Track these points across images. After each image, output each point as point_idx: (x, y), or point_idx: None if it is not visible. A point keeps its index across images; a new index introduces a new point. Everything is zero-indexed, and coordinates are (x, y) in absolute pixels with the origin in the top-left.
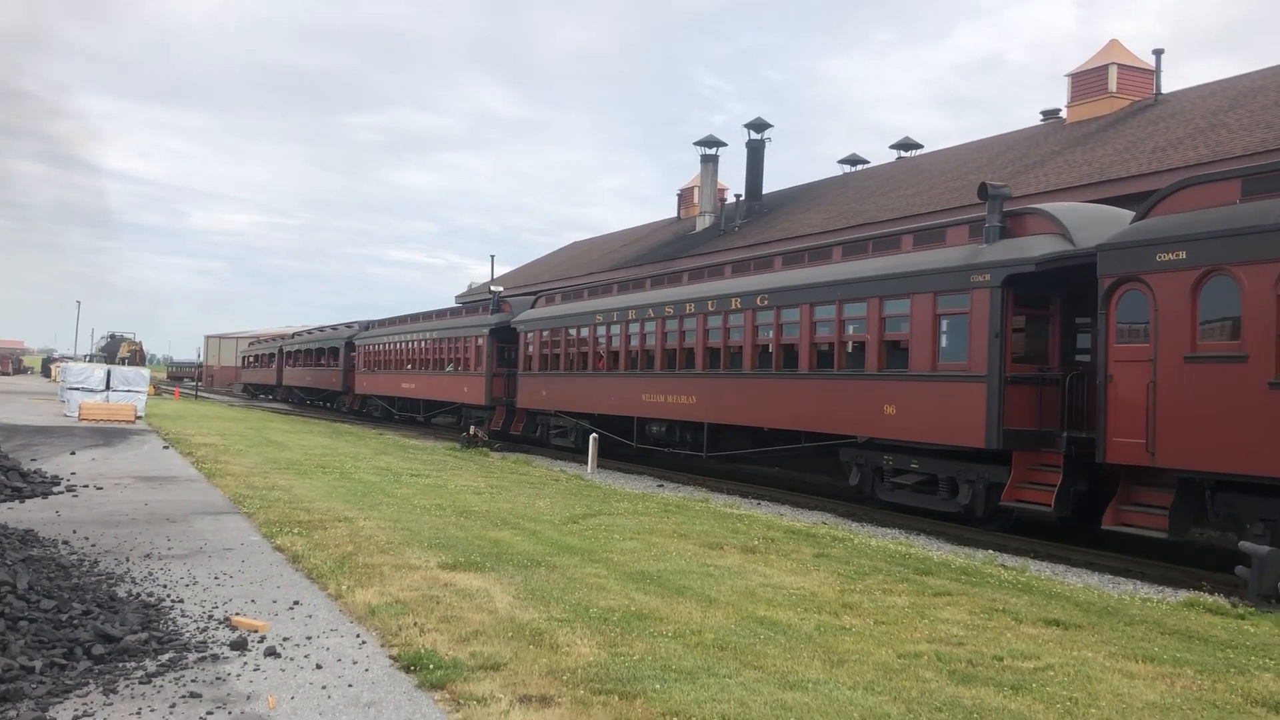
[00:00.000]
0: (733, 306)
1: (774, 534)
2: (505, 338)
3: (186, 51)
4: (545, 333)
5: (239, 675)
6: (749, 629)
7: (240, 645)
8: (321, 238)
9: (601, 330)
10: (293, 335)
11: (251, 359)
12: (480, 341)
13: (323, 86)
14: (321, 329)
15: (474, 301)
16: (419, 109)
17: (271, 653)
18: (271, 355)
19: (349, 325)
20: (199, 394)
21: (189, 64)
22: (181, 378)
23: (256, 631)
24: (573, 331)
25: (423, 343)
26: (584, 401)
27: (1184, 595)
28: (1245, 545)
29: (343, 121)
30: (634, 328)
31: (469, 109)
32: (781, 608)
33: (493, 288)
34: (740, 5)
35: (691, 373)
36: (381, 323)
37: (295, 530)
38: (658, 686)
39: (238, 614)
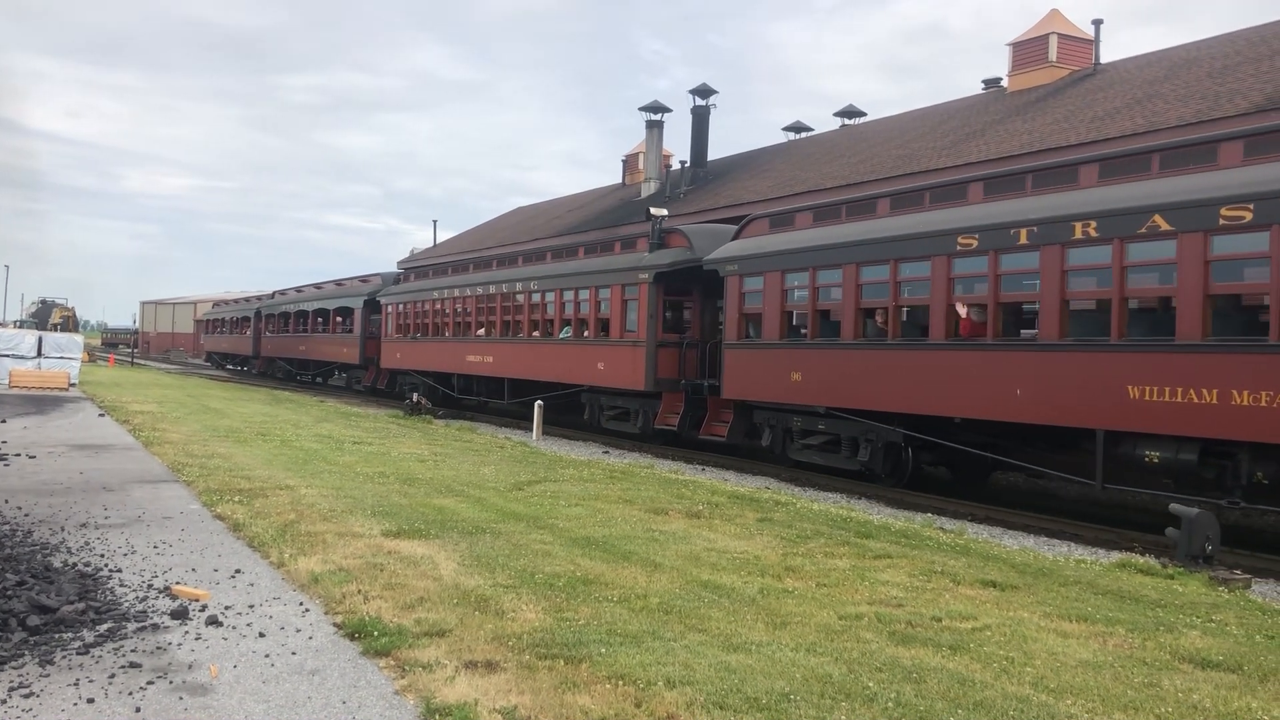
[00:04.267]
0: None
1: (718, 499)
2: (678, 287)
3: (113, 4)
4: (796, 275)
5: (180, 644)
6: (693, 593)
7: (181, 614)
8: (259, 201)
9: (972, 264)
10: (273, 295)
11: (217, 324)
12: (635, 293)
13: (257, 45)
14: (320, 285)
15: (606, 236)
16: (357, 69)
17: (213, 621)
18: (245, 319)
19: (365, 279)
20: (135, 361)
21: (116, 18)
22: (117, 344)
23: (197, 600)
24: (875, 272)
25: (512, 297)
26: (919, 396)
27: (1116, 556)
28: (1176, 508)
29: (279, 82)
30: (1093, 254)
31: (408, 69)
32: (725, 571)
33: (654, 210)
34: None
35: None
36: (423, 272)
37: (236, 498)
38: (603, 650)
39: (178, 583)
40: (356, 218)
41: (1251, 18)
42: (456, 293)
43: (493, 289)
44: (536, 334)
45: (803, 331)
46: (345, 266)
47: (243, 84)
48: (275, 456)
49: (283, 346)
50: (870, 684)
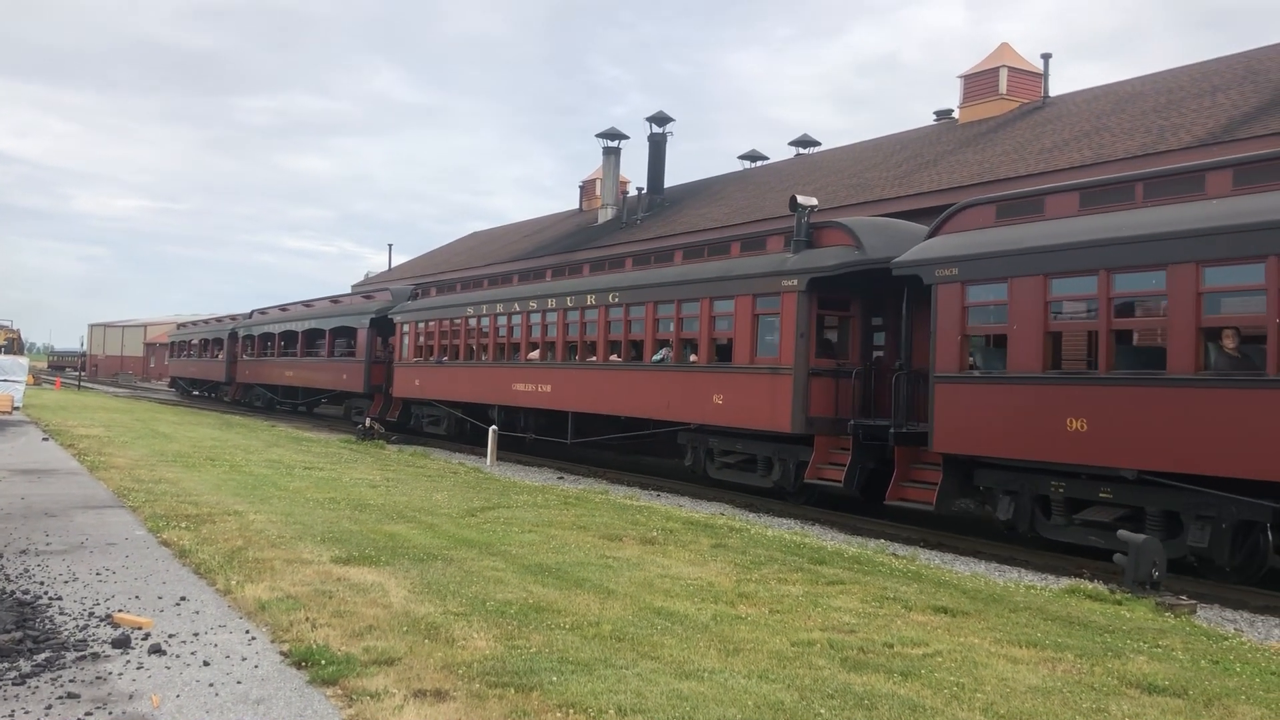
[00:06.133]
0: None
1: (673, 525)
2: (833, 298)
3: (64, 23)
4: (1071, 281)
5: (121, 674)
6: (646, 620)
7: (123, 643)
8: (212, 223)
9: None
10: (251, 314)
11: (183, 347)
12: (774, 305)
13: (212, 67)
14: (309, 303)
15: (719, 237)
16: (313, 92)
17: (156, 650)
18: (218, 341)
19: (369, 295)
20: (82, 384)
21: (67, 36)
22: (63, 367)
23: (140, 628)
24: (1232, 275)
25: (580, 312)
26: None
27: (1065, 582)
28: (1123, 534)
29: (234, 104)
30: None
31: (365, 93)
32: (679, 598)
33: (801, 199)
34: None
35: None
36: (449, 286)
37: (183, 524)
38: (554, 679)
39: (120, 611)
40: (311, 240)
41: (1195, 55)
42: (500, 308)
43: (552, 303)
44: (616, 357)
45: (1081, 359)
46: (301, 289)
47: (197, 105)
48: (224, 482)
49: (264, 371)
50: (822, 711)
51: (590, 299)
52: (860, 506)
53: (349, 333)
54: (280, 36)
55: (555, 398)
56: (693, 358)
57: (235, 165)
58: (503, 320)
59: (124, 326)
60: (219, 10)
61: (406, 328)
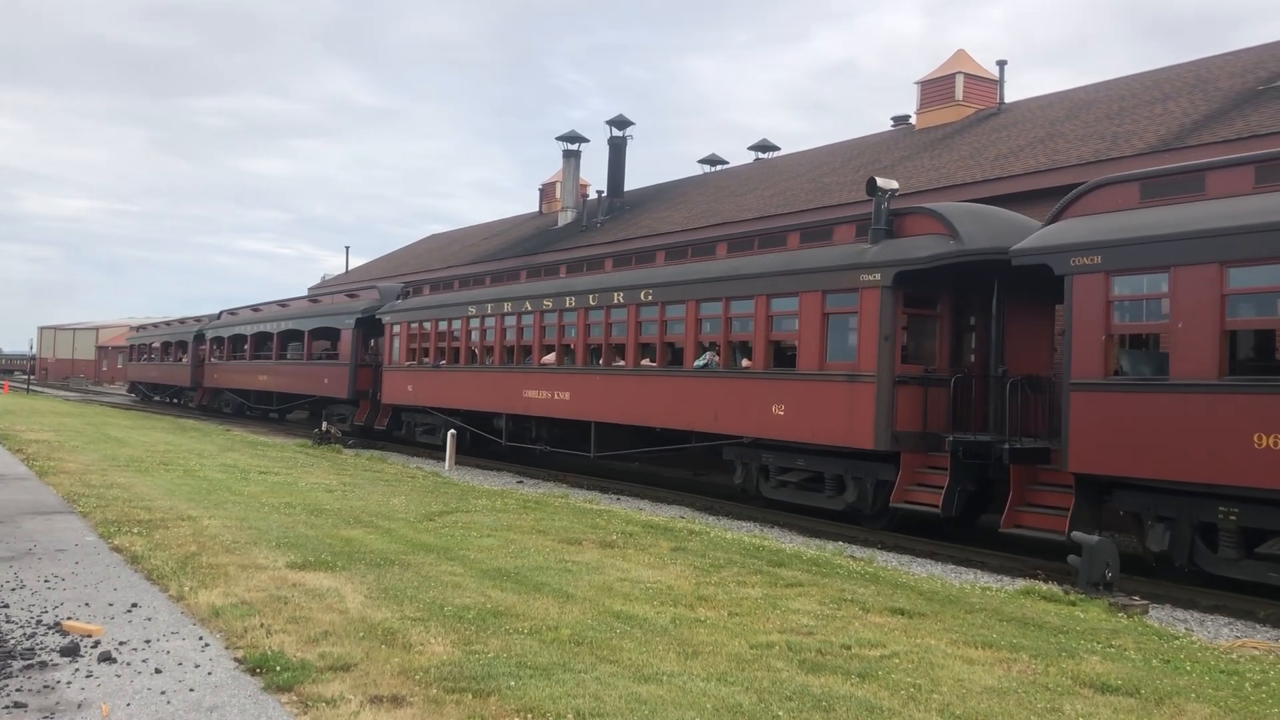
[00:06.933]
0: None
1: (632, 528)
2: (919, 294)
3: (10, 20)
4: (1257, 270)
5: (69, 683)
6: (605, 623)
7: (72, 651)
8: (166, 225)
9: None
10: (220, 314)
11: (144, 350)
12: (851, 303)
13: (165, 67)
14: (284, 303)
15: (772, 226)
16: (269, 93)
17: (106, 658)
18: (181, 344)
19: (352, 294)
20: (31, 388)
21: (15, 34)
22: (12, 371)
23: (90, 636)
24: None
25: (605, 311)
26: None
27: (1021, 584)
28: (1077, 535)
29: (187, 105)
30: None
31: (322, 95)
32: (638, 601)
33: (881, 181)
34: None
35: None
36: (447, 284)
37: (135, 530)
38: (512, 684)
39: (69, 618)
40: (267, 243)
41: (1143, 63)
42: (508, 307)
43: (570, 301)
44: (649, 361)
45: (1267, 364)
46: (258, 292)
47: (150, 106)
48: (178, 487)
49: (234, 376)
50: (780, 713)
51: (617, 297)
52: (957, 534)
53: (331, 334)
54: (235, 38)
55: (575, 406)
56: (745, 362)
57: (190, 167)
58: (511, 320)
59: (75, 329)
60: (172, 10)
61: (398, 328)
